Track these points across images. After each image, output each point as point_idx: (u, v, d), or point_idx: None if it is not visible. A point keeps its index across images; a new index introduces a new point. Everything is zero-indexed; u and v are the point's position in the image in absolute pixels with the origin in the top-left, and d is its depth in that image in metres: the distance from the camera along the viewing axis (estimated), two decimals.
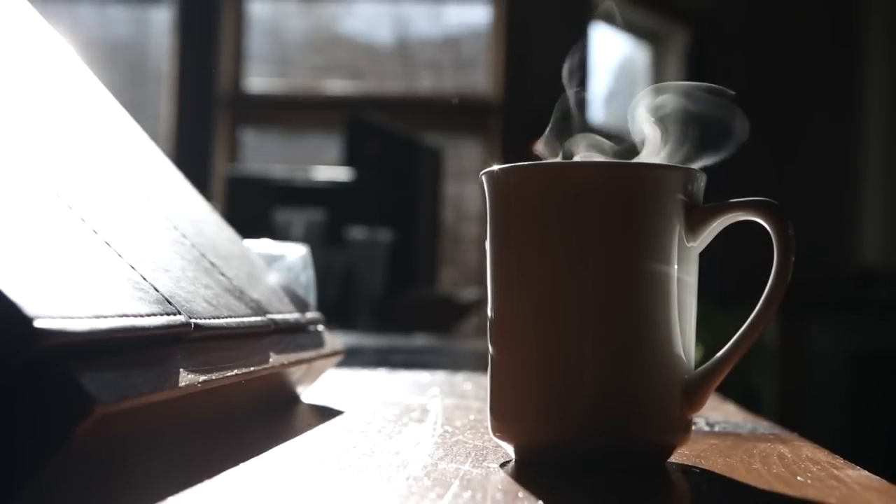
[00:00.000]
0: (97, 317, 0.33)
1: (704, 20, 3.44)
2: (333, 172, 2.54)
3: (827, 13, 3.37)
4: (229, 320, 0.46)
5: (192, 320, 0.41)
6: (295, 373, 0.57)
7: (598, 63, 3.48)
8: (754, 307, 0.41)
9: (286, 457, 0.41)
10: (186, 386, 0.37)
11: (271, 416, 0.54)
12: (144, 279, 0.40)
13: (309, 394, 0.63)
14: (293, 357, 0.54)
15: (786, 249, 0.40)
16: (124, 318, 0.35)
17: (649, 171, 0.42)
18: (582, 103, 0.44)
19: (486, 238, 0.44)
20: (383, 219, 2.26)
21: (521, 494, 0.35)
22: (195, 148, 3.27)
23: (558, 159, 0.45)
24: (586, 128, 0.45)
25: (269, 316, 0.53)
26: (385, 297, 2.07)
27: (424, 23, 3.50)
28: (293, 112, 3.44)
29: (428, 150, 2.74)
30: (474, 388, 0.72)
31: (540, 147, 0.45)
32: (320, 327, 0.65)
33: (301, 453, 0.43)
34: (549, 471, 0.40)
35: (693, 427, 0.43)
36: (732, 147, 0.43)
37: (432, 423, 0.52)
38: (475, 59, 3.46)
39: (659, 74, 3.61)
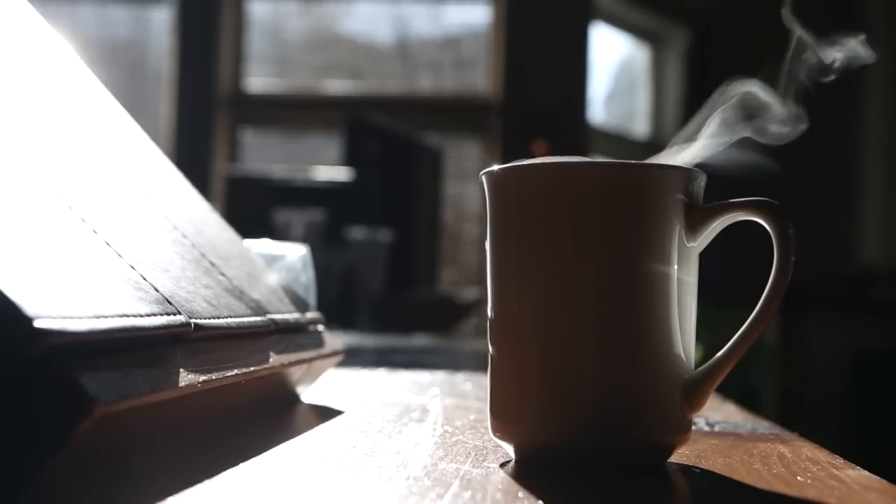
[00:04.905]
0: (97, 317, 0.33)
1: (704, 20, 3.44)
2: (333, 172, 2.54)
3: (827, 13, 3.37)
4: (229, 320, 0.46)
5: (192, 320, 0.41)
6: (295, 373, 0.57)
7: (597, 63, 3.48)
8: (754, 307, 0.41)
9: (286, 457, 0.41)
10: (186, 386, 0.37)
11: (271, 416, 0.54)
12: (144, 279, 0.40)
13: (309, 394, 0.63)
14: (293, 357, 0.54)
15: (786, 249, 0.40)
16: (124, 318, 0.35)
17: (649, 171, 0.42)
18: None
19: (486, 238, 0.44)
20: (383, 219, 2.26)
21: (521, 494, 0.35)
22: (195, 148, 3.27)
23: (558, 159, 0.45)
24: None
25: (269, 316, 0.53)
26: (385, 297, 2.07)
27: (424, 23, 3.50)
28: (293, 112, 3.44)
29: (428, 150, 2.74)
30: (474, 388, 0.72)
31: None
32: (320, 327, 0.65)
33: (301, 453, 0.43)
34: (549, 471, 0.40)
35: (693, 427, 0.43)
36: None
37: (432, 423, 0.52)
38: (475, 59, 3.46)
39: (659, 74, 3.61)
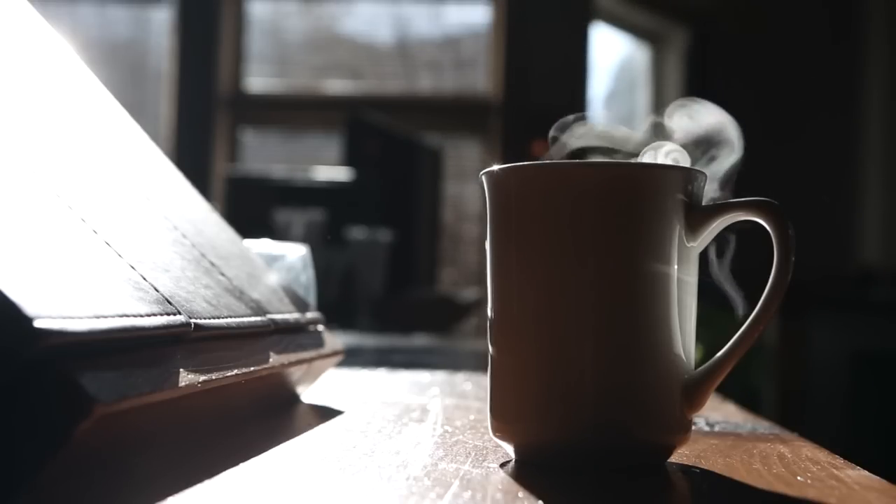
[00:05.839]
0: (97, 317, 0.33)
1: (704, 20, 3.44)
2: (333, 172, 2.54)
3: (826, 12, 3.37)
4: (229, 320, 0.46)
5: (192, 320, 0.41)
6: (295, 373, 0.57)
7: (597, 63, 3.48)
8: (754, 307, 0.41)
9: (286, 457, 0.41)
10: (186, 386, 0.37)
11: (271, 416, 0.54)
12: (144, 279, 0.40)
13: (309, 394, 0.63)
14: (293, 357, 0.54)
15: (786, 249, 0.40)
16: (124, 318, 0.35)
17: (649, 171, 0.42)
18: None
19: (486, 238, 0.44)
20: (383, 219, 2.26)
21: (521, 494, 0.35)
22: (195, 148, 3.27)
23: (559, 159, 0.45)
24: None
25: (269, 316, 0.53)
26: (385, 297, 2.07)
27: (424, 23, 3.50)
28: (293, 112, 3.44)
29: (428, 150, 2.74)
30: (474, 388, 0.72)
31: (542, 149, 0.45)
32: (320, 327, 0.65)
33: (301, 453, 0.43)
34: (549, 471, 0.40)
35: (693, 427, 0.43)
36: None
37: (432, 423, 0.52)
38: (475, 59, 3.46)
39: (659, 74, 3.61)
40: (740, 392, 2.36)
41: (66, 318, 0.31)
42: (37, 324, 0.29)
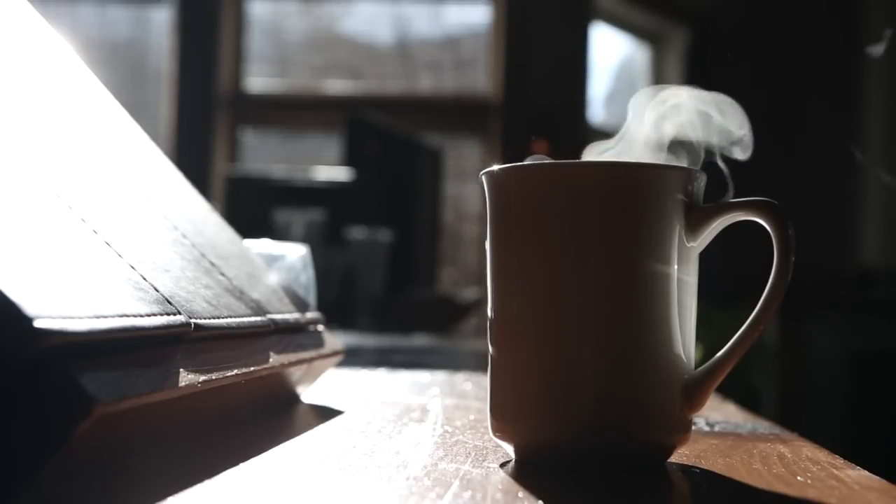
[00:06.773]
0: (97, 317, 0.33)
1: (704, 20, 3.44)
2: (333, 172, 2.54)
3: (827, 12, 3.37)
4: (229, 320, 0.46)
5: (192, 320, 0.41)
6: (295, 373, 0.57)
7: (597, 63, 3.48)
8: (754, 307, 0.41)
9: (286, 457, 0.41)
10: (186, 386, 0.37)
11: (271, 416, 0.54)
12: (144, 279, 0.40)
13: (309, 394, 0.64)
14: (293, 357, 0.54)
15: (786, 249, 0.40)
16: (124, 318, 0.35)
17: (649, 171, 0.42)
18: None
19: (486, 238, 0.44)
20: (383, 219, 2.26)
21: (521, 494, 0.35)
22: (195, 148, 3.27)
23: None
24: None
25: (269, 316, 0.53)
26: (385, 297, 2.07)
27: (424, 23, 3.50)
28: (293, 112, 3.44)
29: (428, 150, 2.74)
30: (474, 388, 0.72)
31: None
32: (320, 327, 0.65)
33: (301, 453, 0.43)
34: (549, 471, 0.40)
35: (693, 427, 0.43)
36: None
37: (432, 423, 0.52)
38: (475, 59, 3.46)
39: (659, 74, 3.61)
40: (740, 392, 2.36)
41: (66, 318, 0.31)
42: (37, 324, 0.29)
